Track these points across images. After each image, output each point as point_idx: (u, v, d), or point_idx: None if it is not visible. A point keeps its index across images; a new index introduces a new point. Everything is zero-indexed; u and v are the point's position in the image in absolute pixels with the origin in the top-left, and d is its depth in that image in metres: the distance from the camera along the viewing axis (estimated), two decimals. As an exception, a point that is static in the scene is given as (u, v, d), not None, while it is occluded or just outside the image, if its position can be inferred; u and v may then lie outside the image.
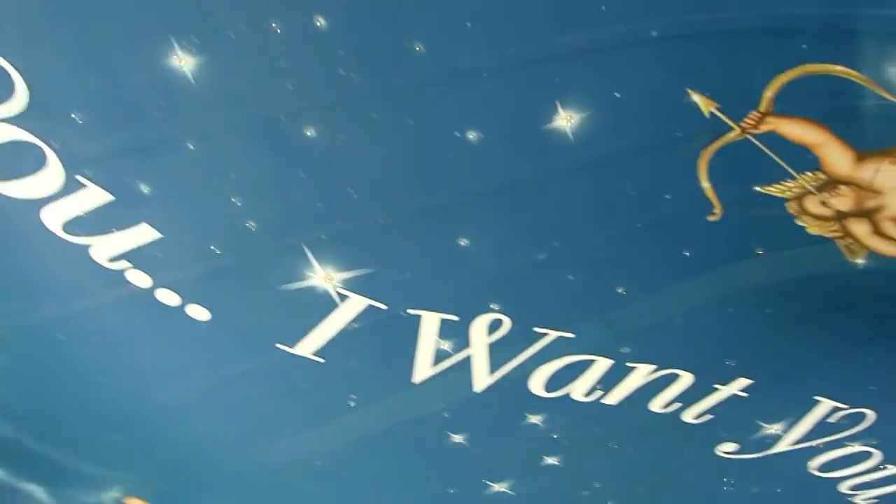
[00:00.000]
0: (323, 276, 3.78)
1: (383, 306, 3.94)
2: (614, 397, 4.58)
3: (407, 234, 3.60)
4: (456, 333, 4.14)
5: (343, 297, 3.89)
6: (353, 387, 4.49)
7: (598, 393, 4.55)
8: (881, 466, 5.30)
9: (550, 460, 5.05)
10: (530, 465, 5.11)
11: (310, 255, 3.67)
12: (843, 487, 5.53)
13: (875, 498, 5.62)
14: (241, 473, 5.24)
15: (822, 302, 3.93)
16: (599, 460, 5.10)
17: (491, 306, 3.99)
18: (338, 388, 4.50)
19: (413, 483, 5.21)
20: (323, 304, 3.95)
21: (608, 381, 4.49)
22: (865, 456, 5.19)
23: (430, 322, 4.06)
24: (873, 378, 4.51)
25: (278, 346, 4.17)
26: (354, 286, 3.85)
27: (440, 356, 4.28)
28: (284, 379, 4.42)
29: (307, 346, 4.18)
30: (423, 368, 4.35)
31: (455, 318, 4.03)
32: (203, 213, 3.49)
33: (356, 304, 3.94)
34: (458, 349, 4.24)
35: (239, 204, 3.43)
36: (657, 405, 4.64)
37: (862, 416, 4.83)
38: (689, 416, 4.75)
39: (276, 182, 3.36)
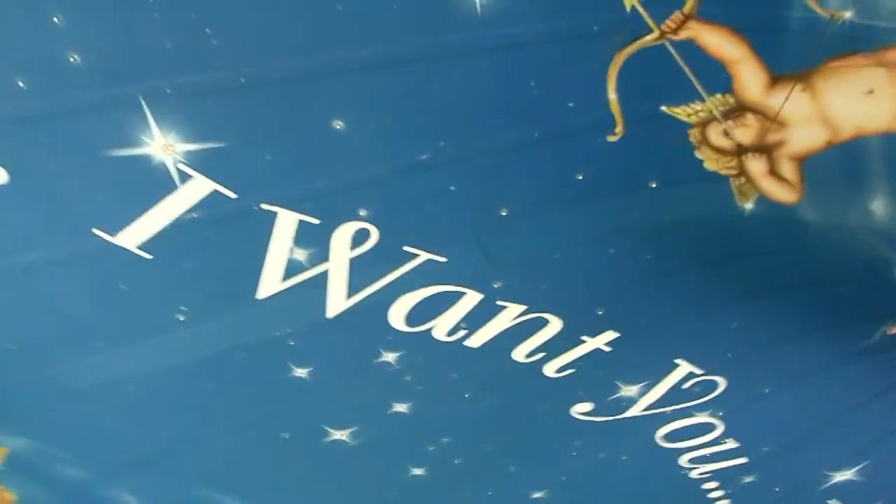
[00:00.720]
0: (161, 145, 3.10)
1: (232, 195, 3.33)
2: (477, 339, 4.24)
3: (272, 104, 3.03)
4: (314, 241, 3.60)
5: (184, 177, 3.24)
6: (183, 296, 3.81)
7: (462, 333, 4.19)
8: (721, 440, 5.37)
9: (399, 407, 4.63)
10: (376, 412, 4.66)
11: (147, 113, 2.98)
12: (683, 460, 5.57)
13: (709, 473, 5.72)
14: (33, 396, 4.34)
15: (702, 253, 3.81)
16: (451, 412, 4.75)
17: (359, 212, 3.50)
18: (165, 296, 3.80)
19: (241, 422, 4.57)
20: (157, 182, 3.26)
21: (474, 320, 4.13)
22: (709, 428, 5.23)
23: (285, 223, 3.49)
24: (732, 344, 4.50)
25: (95, 231, 3.41)
26: (199, 163, 3.21)
27: (292, 269, 3.72)
28: (98, 276, 3.65)
29: (132, 237, 3.45)
30: (271, 282, 3.76)
31: (316, 221, 3.50)
32: (8, 30, 2.71)
33: (199, 188, 3.29)
34: (314, 262, 3.70)
35: (60, 23, 2.69)
36: (521, 353, 4.36)
37: (714, 385, 4.83)
38: (550, 370, 4.52)
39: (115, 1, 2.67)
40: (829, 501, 6.32)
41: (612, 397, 4.80)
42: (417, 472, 5.11)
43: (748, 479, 5.87)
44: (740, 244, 3.70)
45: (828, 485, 6.09)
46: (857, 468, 5.89)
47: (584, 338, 4.30)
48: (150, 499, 4.75)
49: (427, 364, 4.35)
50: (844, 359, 4.75)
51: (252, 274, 3.74)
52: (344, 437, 4.80)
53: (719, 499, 6.05)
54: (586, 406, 4.84)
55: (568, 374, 4.54)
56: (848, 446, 5.67)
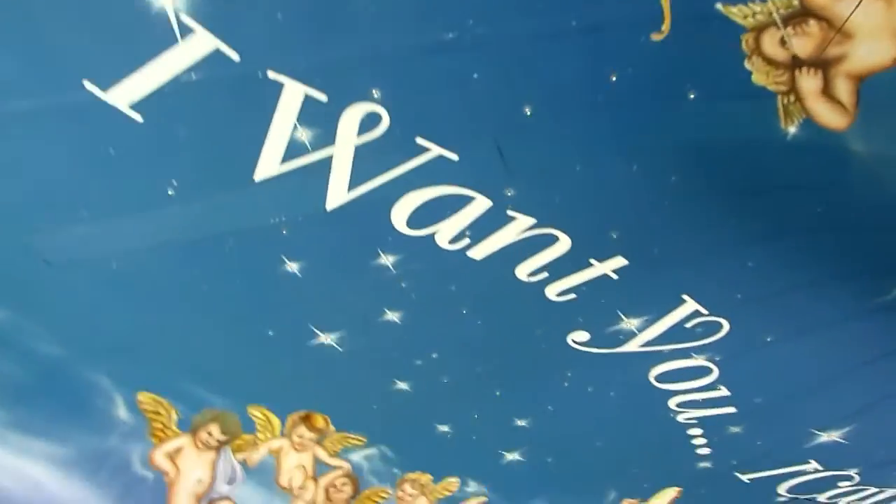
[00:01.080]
0: (163, -11, 2.80)
1: (236, 56, 3.05)
2: (481, 251, 4.03)
3: (288, -47, 2.71)
4: (321, 121, 3.34)
5: (185, 29, 2.94)
6: (175, 167, 3.56)
7: (465, 241, 3.98)
8: (714, 386, 5.25)
9: (391, 315, 4.45)
10: (368, 317, 4.48)
11: (149, -51, 2.67)
12: (672, 403, 5.46)
13: (696, 419, 5.62)
14: (8, 264, 4.10)
15: (732, 180, 3.56)
16: (443, 326, 4.58)
17: (372, 93, 3.23)
18: (155, 166, 3.55)
19: (226, 314, 4.38)
20: (156, 33, 2.98)
21: (480, 229, 3.91)
22: (704, 372, 5.09)
23: (291, 96, 3.22)
24: (745, 285, 4.32)
25: (84, 83, 3.13)
26: (203, 15, 2.91)
27: (294, 150, 3.47)
28: (85, 136, 3.39)
29: (124, 94, 3.18)
30: (270, 163, 3.51)
31: (324, 97, 3.22)
32: None
33: (200, 44, 3.01)
34: (318, 145, 3.45)
35: None
36: (524, 271, 4.16)
37: (718, 328, 4.67)
38: (552, 292, 4.33)
39: None
40: (809, 460, 6.28)
41: (611, 329, 4.63)
42: (402, 385, 4.98)
43: (733, 430, 5.79)
44: (775, 174, 3.45)
45: (811, 444, 6.03)
46: (844, 430, 5.81)
47: (592, 261, 4.10)
48: (126, 385, 4.58)
49: (425, 272, 4.15)
50: (855, 315, 4.58)
51: (250, 151, 3.48)
52: (331, 342, 4.63)
53: (700, 447, 5.98)
54: (583, 335, 4.67)
55: (569, 300, 4.36)
56: (841, 406, 5.56)
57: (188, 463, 4.68)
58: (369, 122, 3.36)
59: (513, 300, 4.34)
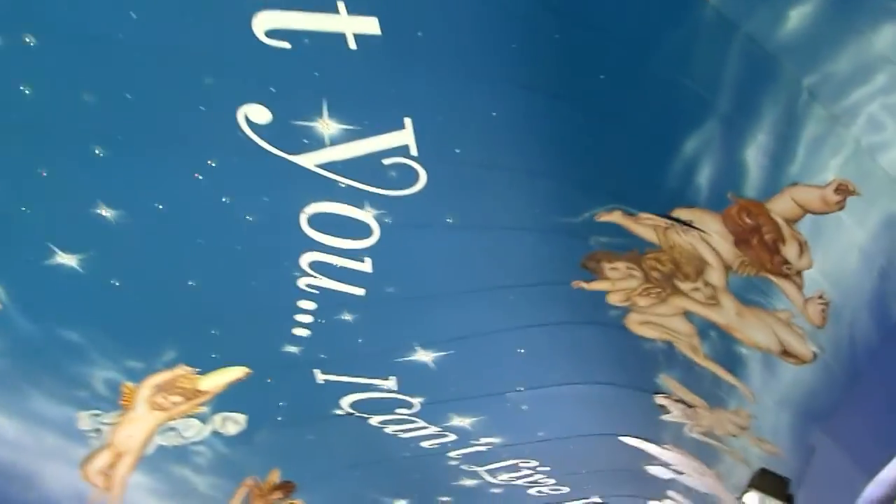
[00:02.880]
0: None
1: None
2: None
3: None
4: None
5: None
6: None
7: None
8: (361, 255, 4.49)
9: None
10: None
11: None
12: (306, 259, 4.54)
13: (318, 290, 4.79)
14: None
15: None
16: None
17: None
18: None
19: None
20: None
21: None
22: (364, 232, 4.30)
23: None
24: (463, 140, 3.64)
25: None
26: None
27: None
28: None
29: None
30: None
31: None
32: None
33: None
34: None
35: None
36: None
37: (414, 178, 3.91)
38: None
39: None
40: (390, 377, 5.99)
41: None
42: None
43: (345, 317, 5.12)
44: None
45: (403, 359, 5.73)
46: (439, 354, 5.64)
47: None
48: None
49: None
50: (533, 226, 4.31)
51: None
52: None
53: (300, 326, 5.16)
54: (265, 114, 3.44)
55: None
56: (454, 326, 5.35)
57: None
58: None
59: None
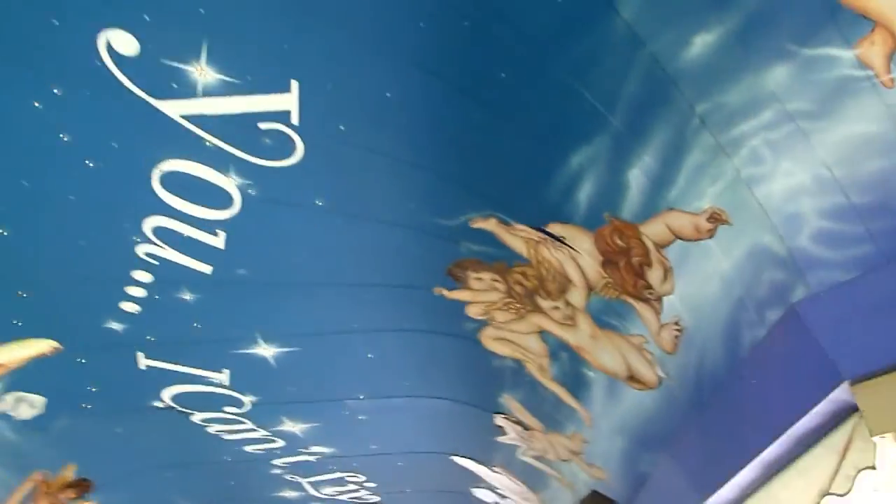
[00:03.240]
0: None
1: None
2: None
3: None
4: None
5: None
6: None
7: None
8: (214, 228, 4.09)
9: None
10: None
11: None
12: (150, 223, 4.05)
13: (158, 260, 4.30)
14: None
15: None
16: None
17: None
18: None
19: None
20: None
21: None
22: (225, 201, 3.92)
23: None
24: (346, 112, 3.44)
25: None
26: None
27: None
28: None
29: None
30: None
31: None
32: None
33: None
34: None
35: None
36: None
37: (291, 148, 3.63)
38: None
39: None
40: (224, 370, 5.52)
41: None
42: None
43: (184, 297, 4.66)
44: None
45: (241, 351, 5.30)
46: (281, 350, 5.28)
47: None
48: None
49: None
50: (406, 223, 4.17)
51: None
52: None
53: (130, 300, 4.62)
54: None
55: None
56: (302, 321, 5.03)
57: None
58: None
59: None
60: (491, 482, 7.46)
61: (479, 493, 7.91)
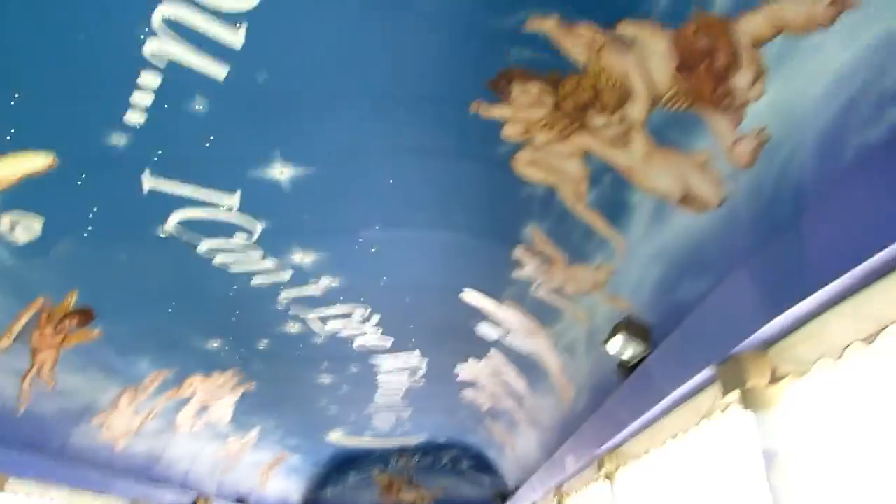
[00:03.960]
0: None
1: None
2: None
3: None
4: None
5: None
6: None
7: None
8: (235, 20, 3.57)
9: None
10: None
11: None
12: (160, 14, 3.51)
13: (168, 64, 3.80)
14: None
15: None
16: None
17: None
18: None
19: None
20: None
21: None
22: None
23: None
24: None
25: None
26: None
27: None
28: None
29: None
30: None
31: None
32: None
33: None
34: None
35: None
36: None
37: None
38: None
39: None
40: (236, 190, 5.17)
41: None
42: None
43: (197, 107, 4.22)
44: None
45: (257, 172, 4.93)
46: (299, 169, 4.92)
47: None
48: None
49: None
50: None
51: None
52: None
53: (137, 110, 4.18)
54: None
55: None
56: (322, 139, 4.64)
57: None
58: None
59: None
60: (497, 318, 7.48)
61: (483, 329, 7.95)
